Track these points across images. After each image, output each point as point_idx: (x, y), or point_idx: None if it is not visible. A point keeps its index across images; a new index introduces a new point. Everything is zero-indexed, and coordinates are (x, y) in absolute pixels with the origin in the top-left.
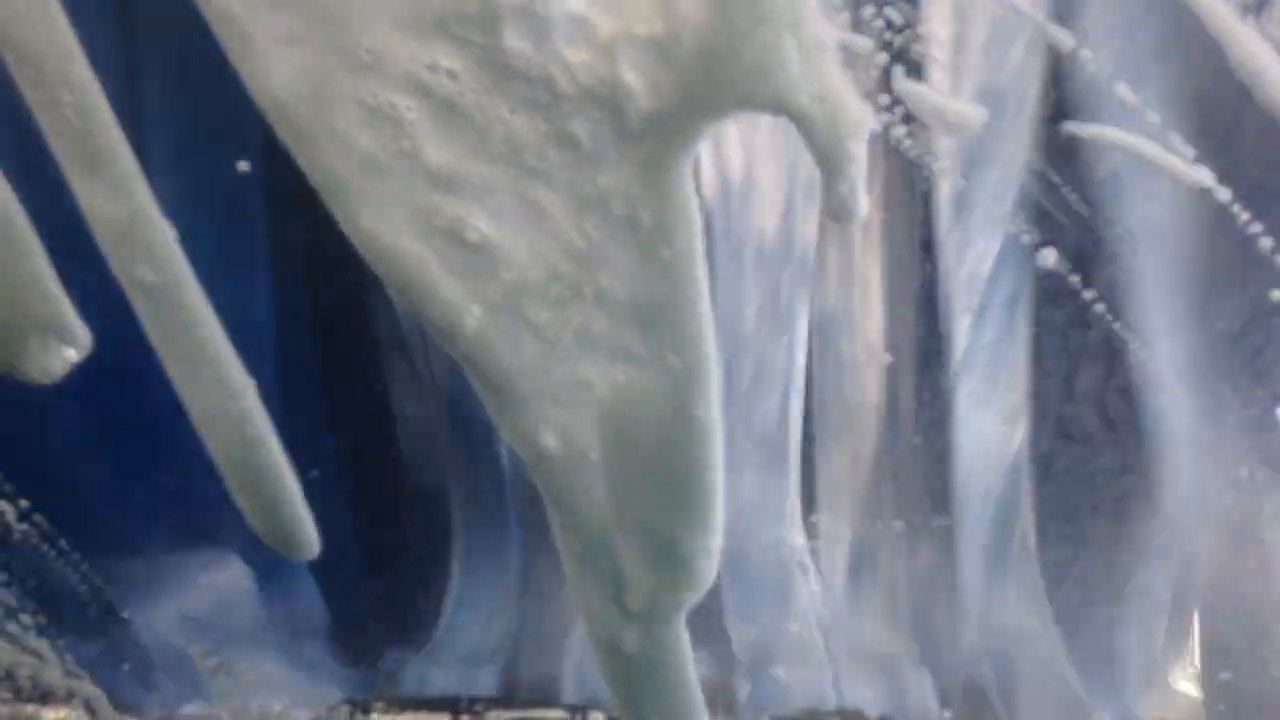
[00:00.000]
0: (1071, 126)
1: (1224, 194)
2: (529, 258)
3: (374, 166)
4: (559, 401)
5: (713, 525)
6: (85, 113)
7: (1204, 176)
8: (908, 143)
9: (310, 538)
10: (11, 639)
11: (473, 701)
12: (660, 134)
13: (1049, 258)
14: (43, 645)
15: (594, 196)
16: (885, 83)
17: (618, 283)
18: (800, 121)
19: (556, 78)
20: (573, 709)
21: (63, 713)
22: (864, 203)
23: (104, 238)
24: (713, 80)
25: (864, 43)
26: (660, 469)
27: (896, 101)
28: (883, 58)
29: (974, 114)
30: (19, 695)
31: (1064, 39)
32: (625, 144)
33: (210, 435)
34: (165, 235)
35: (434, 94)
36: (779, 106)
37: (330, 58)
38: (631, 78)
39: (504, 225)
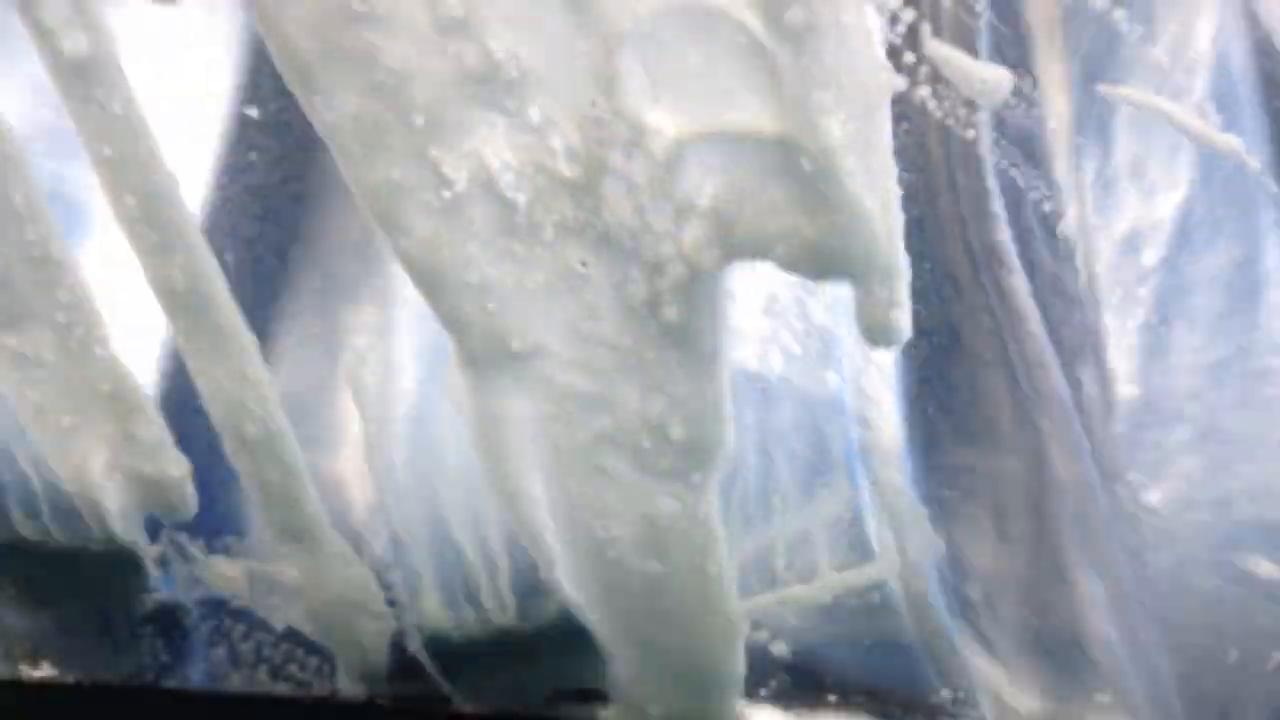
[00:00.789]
0: (1103, 89)
1: (1255, 162)
2: (569, 359)
3: (436, 239)
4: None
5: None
6: (201, 292)
7: (1234, 144)
8: (932, 104)
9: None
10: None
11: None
12: (693, 291)
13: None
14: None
15: (634, 343)
16: (912, 41)
17: (644, 434)
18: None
19: (628, 227)
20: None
21: (52, 673)
22: (908, 322)
23: (213, 403)
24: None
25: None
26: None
27: (922, 61)
28: (910, 14)
29: (1002, 77)
30: (8, 655)
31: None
32: (660, 299)
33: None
34: (273, 393)
35: (493, 186)
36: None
37: (389, 116)
38: (688, 242)
39: (547, 325)
